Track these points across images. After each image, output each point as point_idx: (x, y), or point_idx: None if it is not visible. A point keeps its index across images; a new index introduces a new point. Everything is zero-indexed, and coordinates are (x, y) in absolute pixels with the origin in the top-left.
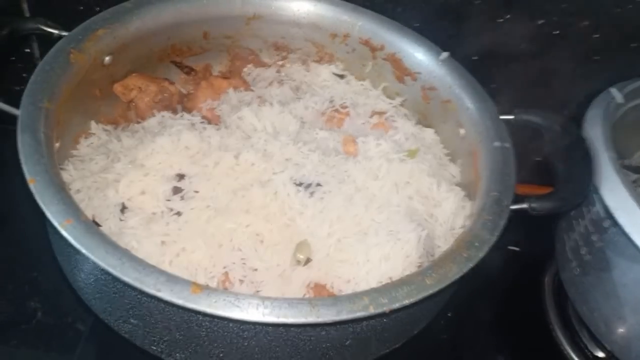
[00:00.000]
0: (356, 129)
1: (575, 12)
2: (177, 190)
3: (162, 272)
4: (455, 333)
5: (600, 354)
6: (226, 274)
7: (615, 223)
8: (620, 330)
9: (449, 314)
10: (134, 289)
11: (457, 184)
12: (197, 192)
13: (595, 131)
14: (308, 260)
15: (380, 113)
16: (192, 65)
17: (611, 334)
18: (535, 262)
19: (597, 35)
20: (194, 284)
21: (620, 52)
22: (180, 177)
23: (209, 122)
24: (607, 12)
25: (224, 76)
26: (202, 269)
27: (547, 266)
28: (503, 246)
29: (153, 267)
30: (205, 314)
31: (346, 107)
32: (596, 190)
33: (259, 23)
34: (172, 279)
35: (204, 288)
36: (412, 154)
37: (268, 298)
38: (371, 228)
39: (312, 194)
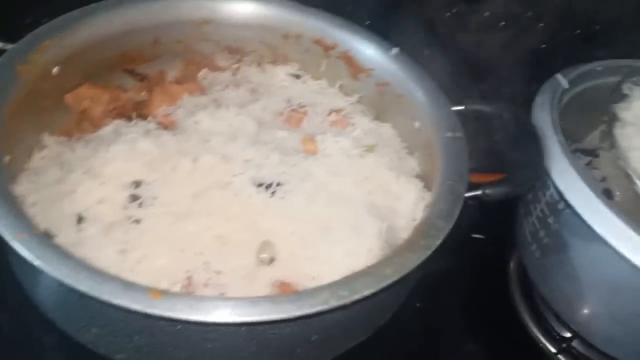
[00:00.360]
0: (315, 127)
1: (520, 3)
2: (135, 198)
3: (119, 280)
4: (425, 323)
5: (567, 335)
6: (189, 278)
7: (568, 205)
8: (582, 310)
9: (417, 305)
10: (90, 298)
11: (417, 176)
12: (155, 198)
13: (543, 117)
14: (272, 260)
15: (338, 110)
16: (145, 72)
17: (574, 314)
18: (500, 248)
19: (542, 25)
20: (152, 289)
21: (566, 39)
22: (138, 184)
23: (165, 128)
24: (550, 2)
25: (179, 82)
26: (165, 274)
27: (511, 251)
28: (467, 235)
29: (109, 274)
30: (165, 319)
31: (304, 106)
32: (548, 174)
33: (210, 27)
34: (129, 286)
35: (163, 292)
36: (370, 149)
37: (229, 298)
38: (333, 224)
39: (273, 193)
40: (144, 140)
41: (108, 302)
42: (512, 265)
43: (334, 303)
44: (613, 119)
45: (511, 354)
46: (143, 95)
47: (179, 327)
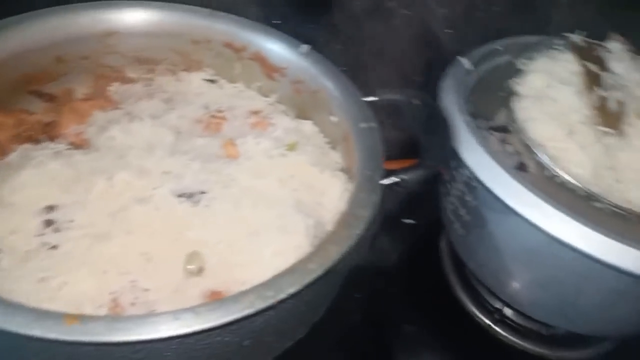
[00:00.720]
0: (236, 131)
1: None
2: (49, 223)
3: (32, 310)
4: (366, 312)
5: (499, 305)
6: (115, 300)
7: (480, 181)
8: (508, 280)
9: (357, 295)
10: (3, 332)
11: (341, 169)
12: (72, 221)
13: (449, 99)
14: (201, 270)
15: (257, 112)
16: (52, 91)
17: (501, 285)
18: (430, 230)
19: (444, 10)
20: (68, 315)
21: (468, 22)
22: (52, 208)
23: (78, 148)
24: None
25: (89, 98)
26: (89, 299)
27: (441, 232)
28: (398, 221)
29: (21, 305)
30: (86, 344)
31: (222, 111)
32: (458, 154)
33: (115, 39)
34: (43, 315)
35: (79, 317)
36: (291, 147)
37: (150, 315)
38: (261, 226)
39: (196, 202)
40: (54, 163)
41: (22, 334)
42: (442, 245)
43: (260, 305)
44: (510, 93)
45: (450, 331)
46: (51, 116)
47: (103, 349)
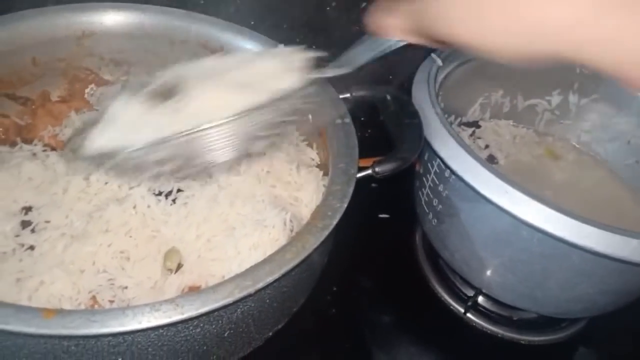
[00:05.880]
0: None
1: None
2: (26, 224)
3: (10, 305)
4: (342, 305)
5: (471, 293)
6: (94, 297)
7: (452, 171)
8: (478, 265)
9: (334, 289)
10: None
11: (317, 166)
12: (48, 222)
13: (421, 93)
14: (179, 267)
15: None
16: (28, 94)
17: (472, 271)
18: (405, 224)
19: None
20: (46, 309)
21: None
22: (27, 209)
23: (53, 149)
24: None
25: (64, 100)
26: (67, 298)
27: (415, 225)
28: (374, 216)
29: None
30: (63, 337)
31: None
32: (430, 145)
33: (91, 41)
34: (21, 310)
35: (58, 311)
36: (268, 145)
37: (128, 307)
38: (238, 222)
39: (174, 200)
40: (30, 164)
41: (0, 330)
42: (417, 237)
43: (238, 295)
44: None
45: (425, 321)
46: (26, 118)
47: (82, 343)
